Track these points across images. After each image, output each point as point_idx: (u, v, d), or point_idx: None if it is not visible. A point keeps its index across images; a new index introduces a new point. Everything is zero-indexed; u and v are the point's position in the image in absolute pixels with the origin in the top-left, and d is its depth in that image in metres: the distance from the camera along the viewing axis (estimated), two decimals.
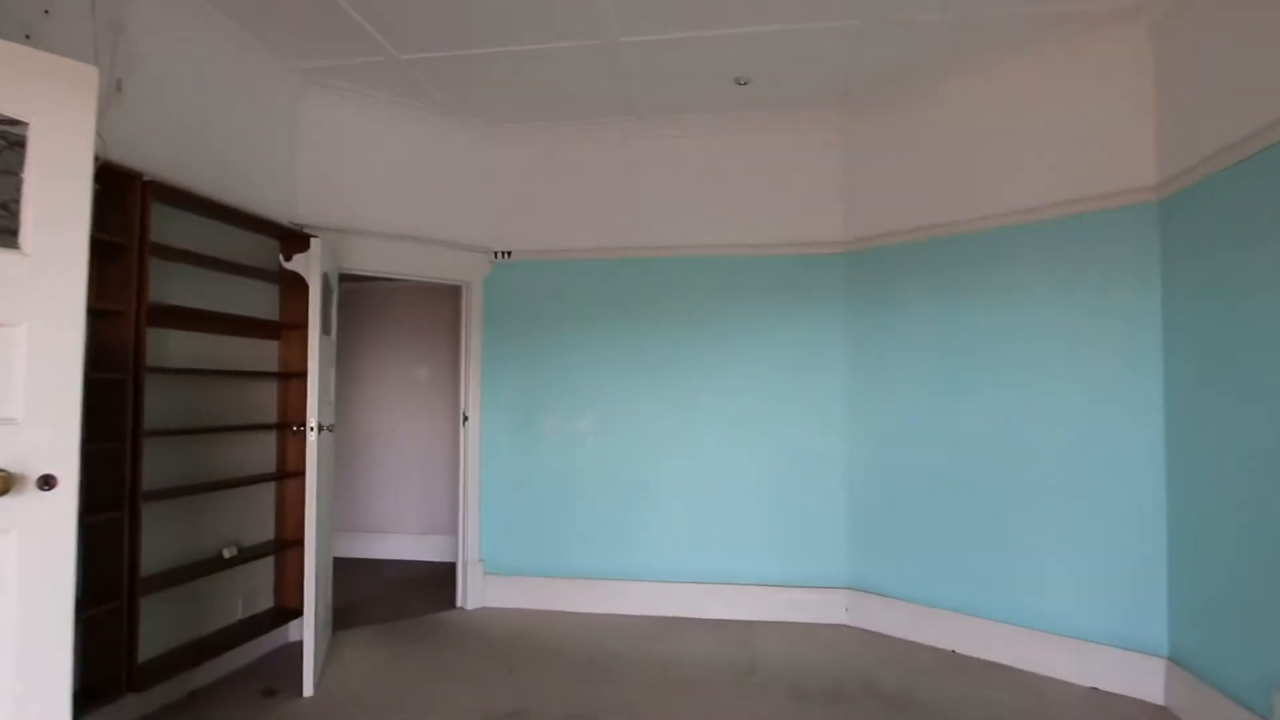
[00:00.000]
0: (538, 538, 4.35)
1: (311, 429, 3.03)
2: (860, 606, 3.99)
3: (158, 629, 2.93)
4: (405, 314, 5.75)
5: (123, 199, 2.65)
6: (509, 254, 4.45)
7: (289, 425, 3.63)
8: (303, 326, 3.32)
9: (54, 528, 1.84)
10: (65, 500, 1.86)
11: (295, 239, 3.58)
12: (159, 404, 2.97)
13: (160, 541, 2.96)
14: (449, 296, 5.33)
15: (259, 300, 3.61)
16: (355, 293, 5.75)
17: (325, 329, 3.50)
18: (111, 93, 2.72)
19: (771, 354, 4.19)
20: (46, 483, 1.81)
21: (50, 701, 1.84)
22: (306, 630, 3.03)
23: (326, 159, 3.89)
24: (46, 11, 2.46)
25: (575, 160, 4.41)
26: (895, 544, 3.87)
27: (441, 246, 4.27)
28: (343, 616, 4.11)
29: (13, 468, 1.77)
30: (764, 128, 4.21)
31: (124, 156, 2.69)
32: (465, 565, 4.34)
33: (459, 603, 4.33)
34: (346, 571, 5.15)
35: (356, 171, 3.98)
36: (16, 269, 1.82)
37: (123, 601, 2.58)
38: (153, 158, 2.86)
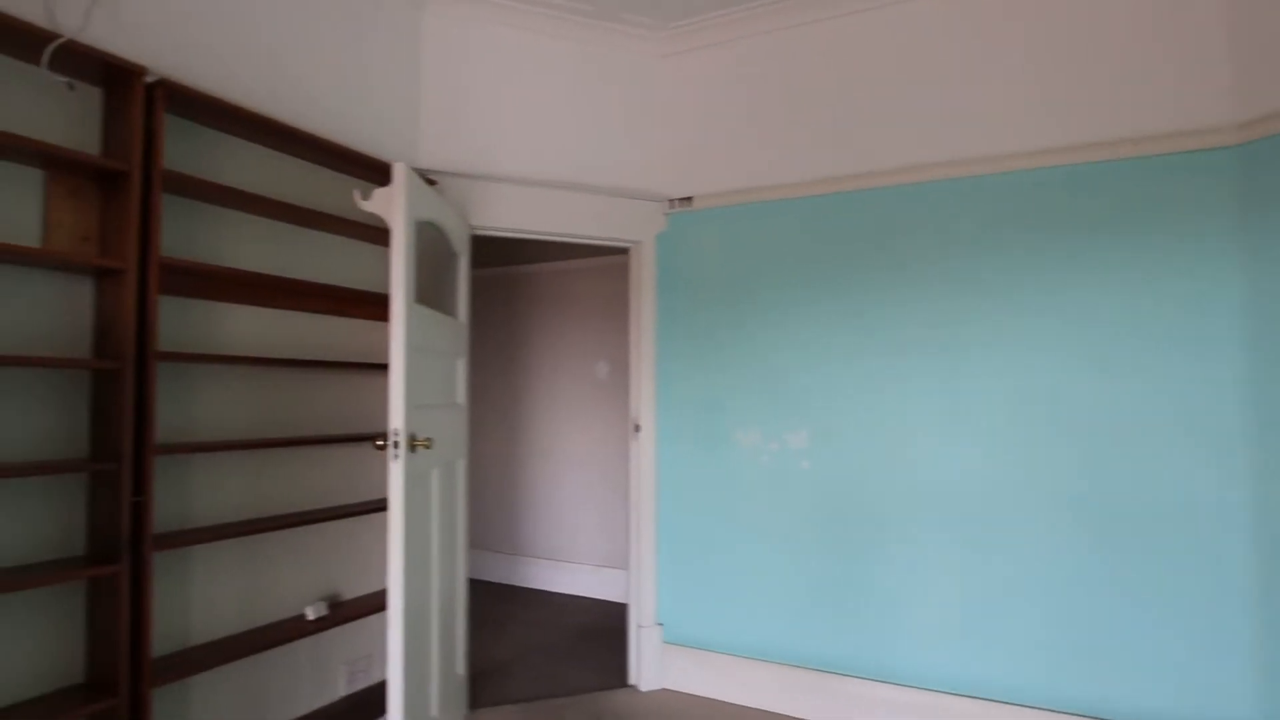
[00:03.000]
0: (733, 600, 3.07)
1: (395, 444, 2.04)
2: None
3: None
4: (583, 297, 4.76)
5: (124, 106, 1.84)
6: (689, 200, 3.24)
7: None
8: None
9: None
10: None
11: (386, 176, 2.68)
12: (210, 407, 2.16)
13: (205, 601, 2.14)
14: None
15: (370, 268, 2.77)
16: (525, 277, 4.93)
17: (439, 301, 2.55)
18: None
19: (1099, 326, 2.49)
20: None
21: None
22: None
23: (453, 86, 2.96)
24: None
25: (780, 54, 3.05)
26: None
27: (599, 195, 3.18)
28: (486, 684, 3.15)
29: None
30: None
31: (128, 48, 1.88)
32: (638, 629, 3.18)
33: (631, 678, 3.19)
34: (510, 607, 4.29)
35: (490, 101, 3.01)
36: None
37: (121, 697, 1.74)
38: (186, 65, 2.04)
